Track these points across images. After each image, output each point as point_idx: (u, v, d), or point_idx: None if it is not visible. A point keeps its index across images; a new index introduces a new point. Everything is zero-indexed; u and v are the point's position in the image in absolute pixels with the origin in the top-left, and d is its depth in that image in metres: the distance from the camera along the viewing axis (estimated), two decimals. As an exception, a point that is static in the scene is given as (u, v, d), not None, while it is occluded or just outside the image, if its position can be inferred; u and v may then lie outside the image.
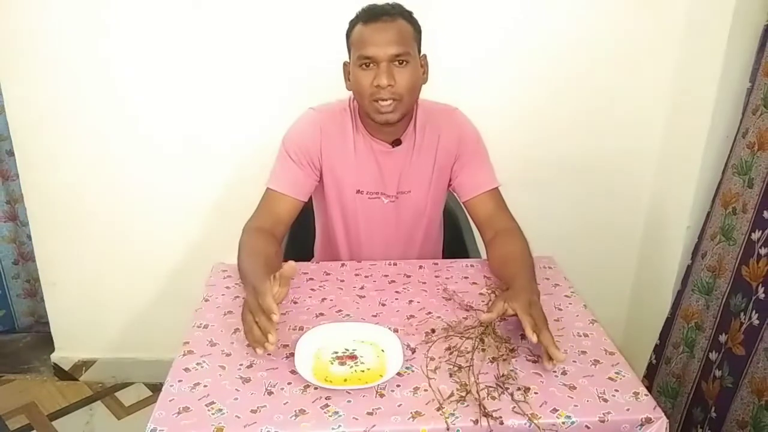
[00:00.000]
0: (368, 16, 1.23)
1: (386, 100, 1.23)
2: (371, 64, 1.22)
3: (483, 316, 1.07)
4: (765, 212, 1.38)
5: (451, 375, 0.98)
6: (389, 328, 1.09)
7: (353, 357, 1.02)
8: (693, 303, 1.61)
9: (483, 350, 1.04)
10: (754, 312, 1.39)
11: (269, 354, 1.00)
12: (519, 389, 0.95)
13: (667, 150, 1.85)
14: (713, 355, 1.54)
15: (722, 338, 1.50)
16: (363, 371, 0.99)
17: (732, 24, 1.53)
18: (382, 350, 1.03)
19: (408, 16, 1.26)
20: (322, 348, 1.04)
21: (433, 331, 1.10)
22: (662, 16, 1.73)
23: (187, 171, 1.86)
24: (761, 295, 1.38)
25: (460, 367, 1.00)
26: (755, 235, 1.41)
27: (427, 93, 1.33)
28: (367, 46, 1.21)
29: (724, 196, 1.52)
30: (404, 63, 1.23)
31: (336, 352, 1.03)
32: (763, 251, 1.38)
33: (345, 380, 0.96)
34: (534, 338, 0.98)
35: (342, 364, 1.01)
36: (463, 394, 0.93)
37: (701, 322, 1.59)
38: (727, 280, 1.49)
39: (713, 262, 1.55)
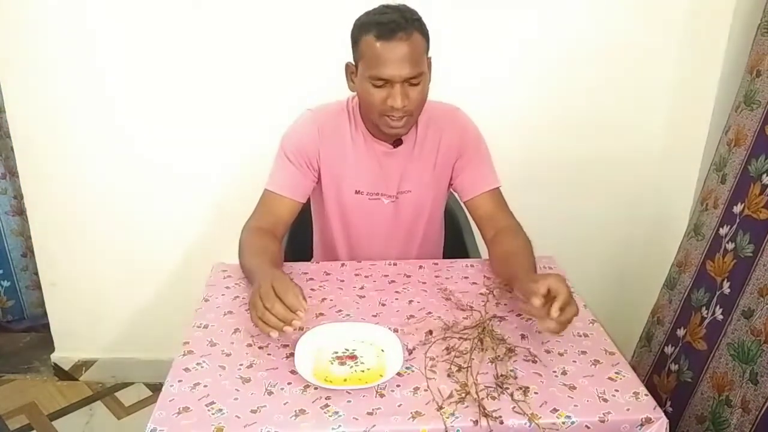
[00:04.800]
0: (382, 31, 1.16)
1: (398, 118, 1.22)
2: (385, 84, 1.19)
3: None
4: (734, 207, 1.38)
5: (449, 375, 0.98)
6: (389, 328, 1.09)
7: (353, 357, 1.02)
8: (660, 298, 1.62)
9: (482, 350, 1.04)
10: (717, 307, 1.39)
11: (276, 347, 1.00)
12: (519, 389, 0.95)
13: (668, 150, 1.85)
14: (669, 349, 1.53)
15: (680, 332, 1.50)
16: (363, 371, 0.99)
17: (732, 24, 1.53)
18: (382, 350, 1.03)
19: (420, 25, 1.20)
20: (322, 348, 1.04)
21: (431, 332, 1.10)
22: (663, 17, 1.73)
23: (187, 171, 1.86)
24: (726, 290, 1.37)
25: (459, 368, 1.00)
26: (723, 230, 1.40)
27: (431, 92, 1.32)
28: (381, 67, 1.17)
29: (703, 193, 1.52)
30: (417, 82, 1.20)
31: (336, 352, 1.03)
32: (729, 246, 1.38)
33: (345, 380, 0.96)
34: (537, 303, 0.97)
35: (342, 364, 1.01)
36: (463, 395, 0.93)
37: (662, 316, 1.59)
38: (691, 275, 1.49)
39: (681, 258, 1.55)
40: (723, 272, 1.39)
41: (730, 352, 1.34)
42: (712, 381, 1.39)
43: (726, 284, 1.37)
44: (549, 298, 0.98)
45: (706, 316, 1.42)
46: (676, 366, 1.50)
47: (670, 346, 1.53)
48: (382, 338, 1.06)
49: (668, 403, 1.50)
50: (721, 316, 1.38)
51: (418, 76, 1.20)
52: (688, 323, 1.48)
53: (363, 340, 1.06)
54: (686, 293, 1.50)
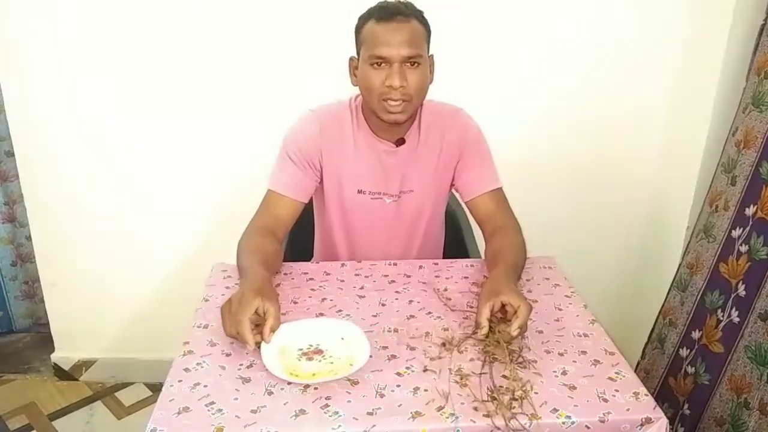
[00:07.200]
0: (382, 14, 1.22)
1: (396, 100, 1.23)
2: (383, 64, 1.22)
3: (479, 336, 1.06)
4: (746, 210, 1.37)
5: (450, 377, 0.98)
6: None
7: (319, 351, 1.03)
8: (671, 300, 1.61)
9: (485, 351, 1.04)
10: (733, 309, 1.39)
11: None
12: (518, 398, 0.94)
13: (668, 151, 1.85)
14: (684, 352, 1.53)
15: (695, 335, 1.49)
16: (332, 362, 0.99)
17: (732, 24, 1.53)
18: (342, 338, 1.04)
19: (420, 16, 1.25)
20: (285, 347, 1.02)
21: (431, 333, 1.10)
22: (662, 17, 1.73)
23: (186, 171, 1.86)
24: (741, 293, 1.37)
25: (459, 368, 1.00)
26: (735, 233, 1.40)
27: (432, 93, 1.33)
28: (380, 45, 1.20)
29: (711, 194, 1.51)
30: (416, 64, 1.22)
31: (301, 349, 1.03)
32: (743, 249, 1.38)
33: (313, 375, 0.96)
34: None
35: (309, 359, 1.01)
36: (462, 396, 0.93)
37: (675, 318, 1.59)
38: (703, 277, 1.49)
39: (691, 260, 1.54)
40: (737, 275, 1.38)
41: (748, 354, 1.34)
42: (730, 383, 1.38)
43: (741, 286, 1.37)
44: (504, 311, 1.06)
45: (722, 318, 1.41)
46: (693, 368, 1.49)
47: (685, 348, 1.53)
48: (340, 329, 1.06)
49: (685, 406, 1.49)
50: (737, 319, 1.37)
51: (416, 58, 1.22)
52: (704, 326, 1.47)
53: (322, 333, 1.06)
54: (699, 295, 1.49)
